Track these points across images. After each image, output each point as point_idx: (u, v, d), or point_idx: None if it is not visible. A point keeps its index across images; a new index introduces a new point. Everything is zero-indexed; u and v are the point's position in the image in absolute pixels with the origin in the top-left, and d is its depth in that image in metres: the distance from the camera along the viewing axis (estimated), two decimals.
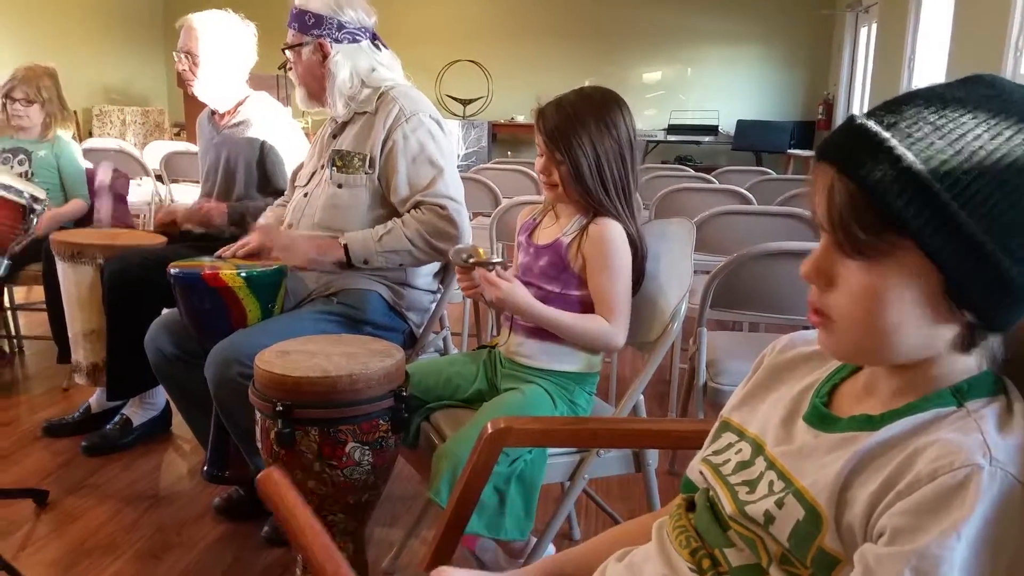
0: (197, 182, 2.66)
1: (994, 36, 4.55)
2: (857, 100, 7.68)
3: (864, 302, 0.64)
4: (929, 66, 5.90)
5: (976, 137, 0.59)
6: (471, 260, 1.47)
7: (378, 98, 1.92)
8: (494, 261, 1.46)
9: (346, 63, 1.91)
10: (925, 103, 0.62)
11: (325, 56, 1.91)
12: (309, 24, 1.90)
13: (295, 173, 2.21)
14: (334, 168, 1.92)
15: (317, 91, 1.97)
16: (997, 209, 0.59)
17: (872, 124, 0.62)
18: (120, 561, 1.82)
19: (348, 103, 1.94)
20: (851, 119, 0.64)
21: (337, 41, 1.91)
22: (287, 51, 1.96)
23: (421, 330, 2.01)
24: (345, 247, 1.83)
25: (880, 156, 0.60)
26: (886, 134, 0.61)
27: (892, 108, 0.63)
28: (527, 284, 1.56)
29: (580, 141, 1.45)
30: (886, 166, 0.60)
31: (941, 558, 0.56)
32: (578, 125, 1.46)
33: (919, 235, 0.59)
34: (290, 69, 1.99)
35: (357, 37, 1.94)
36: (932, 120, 0.61)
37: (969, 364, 0.67)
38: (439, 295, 2.05)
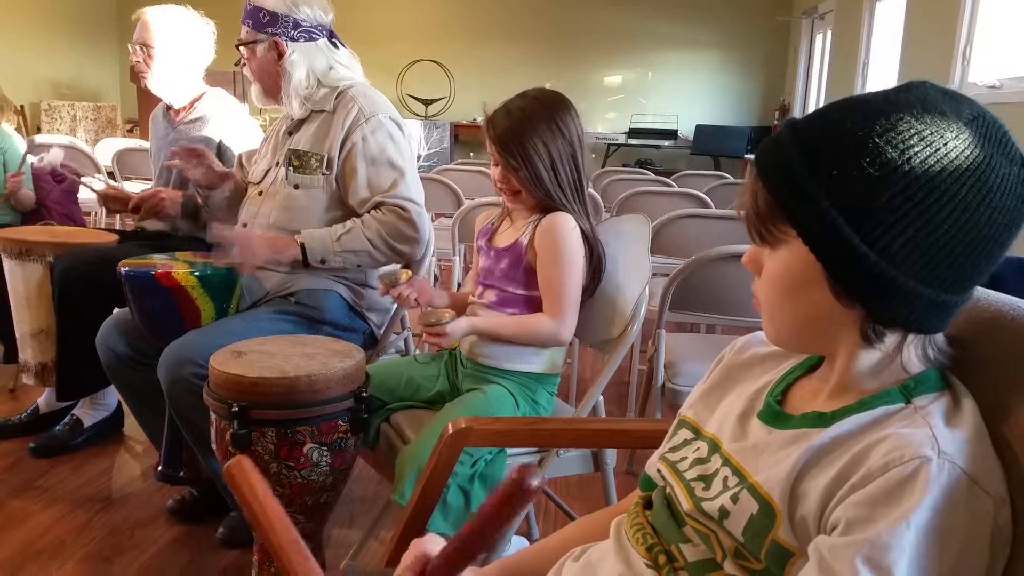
0: (150, 180, 2.61)
1: (943, 44, 4.69)
2: (812, 106, 7.83)
3: (775, 286, 0.72)
4: (882, 72, 6.05)
5: (857, 142, 0.64)
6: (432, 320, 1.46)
7: (336, 97, 1.90)
8: (444, 320, 1.44)
9: (302, 62, 1.88)
10: (841, 112, 0.67)
11: (280, 55, 1.88)
12: (264, 21, 1.87)
13: (241, 156, 2.18)
14: (291, 168, 1.89)
15: (272, 88, 1.94)
16: (859, 199, 0.64)
17: (787, 137, 0.69)
18: (69, 564, 1.78)
19: (304, 103, 1.91)
20: (781, 126, 0.72)
21: (293, 40, 1.88)
22: (241, 48, 1.93)
23: (382, 331, 1.99)
24: (302, 245, 1.81)
25: (782, 164, 0.69)
26: (792, 147, 0.68)
27: (812, 119, 0.70)
28: (489, 287, 1.57)
29: (534, 145, 1.46)
30: (784, 171, 0.68)
31: (891, 545, 0.59)
32: (530, 130, 1.46)
33: (805, 232, 0.67)
34: (244, 65, 1.95)
35: (313, 35, 1.91)
36: (831, 130, 0.67)
37: (915, 363, 0.70)
38: None
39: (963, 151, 0.63)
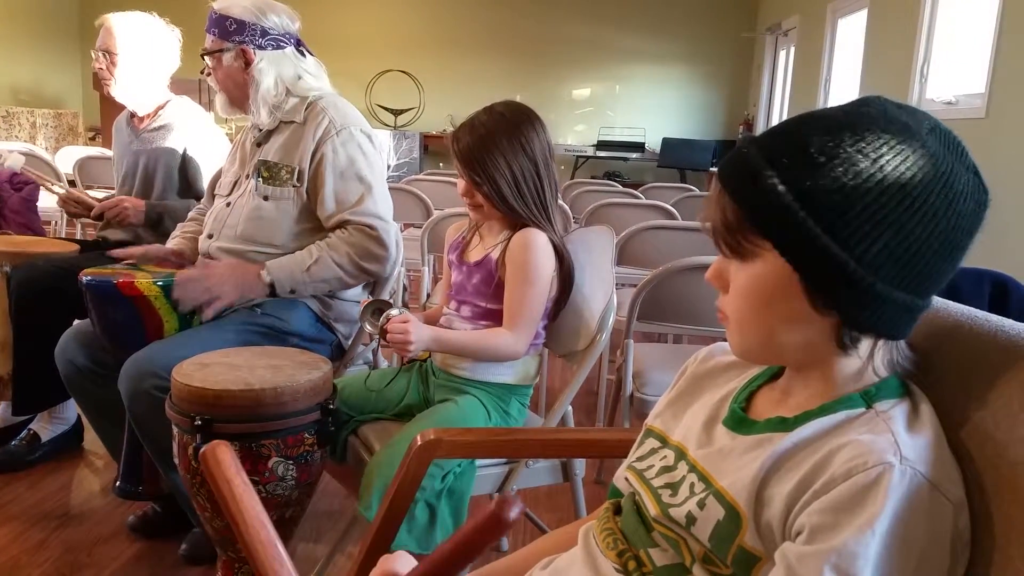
0: (112, 188, 2.56)
1: (902, 61, 4.81)
2: (775, 120, 7.97)
3: (746, 299, 0.72)
4: (843, 88, 6.17)
5: (830, 152, 0.65)
6: (380, 323, 1.44)
7: (306, 108, 1.88)
8: (395, 313, 1.43)
9: (270, 70, 1.87)
10: (804, 126, 0.68)
11: (248, 63, 1.86)
12: (230, 30, 1.85)
13: (213, 181, 2.15)
14: (260, 179, 1.87)
15: (239, 98, 1.92)
16: (832, 202, 0.65)
17: (753, 152, 0.69)
18: None
19: (272, 111, 1.89)
20: (742, 143, 0.72)
21: (260, 48, 1.86)
22: (206, 57, 1.90)
23: (349, 342, 1.98)
24: (271, 283, 1.77)
25: (752, 179, 0.68)
26: (760, 162, 0.68)
27: (776, 133, 0.70)
28: (462, 302, 1.57)
29: (495, 162, 1.47)
30: (755, 186, 0.68)
31: (857, 553, 0.59)
32: (492, 146, 1.47)
33: (775, 238, 0.67)
34: (209, 75, 1.92)
35: (281, 43, 1.89)
36: (804, 139, 0.67)
37: (878, 370, 0.71)
38: None
39: (930, 159, 0.65)
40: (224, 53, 1.87)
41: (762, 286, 0.70)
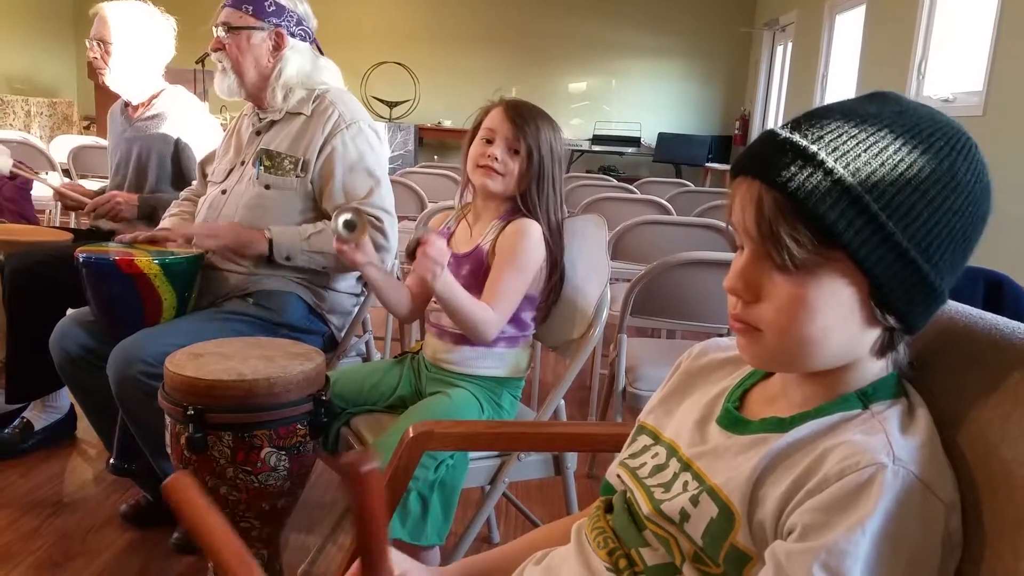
0: (107, 178, 2.56)
1: (900, 58, 4.81)
2: (772, 116, 7.98)
3: (793, 312, 0.65)
4: (840, 85, 6.18)
5: (896, 150, 0.63)
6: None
7: (313, 101, 1.88)
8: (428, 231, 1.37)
9: (295, 58, 1.88)
10: (843, 117, 0.65)
11: (279, 47, 1.87)
12: (269, 11, 1.85)
13: (203, 164, 2.15)
14: (261, 168, 1.87)
15: (254, 80, 1.89)
16: (921, 218, 0.63)
17: (797, 137, 0.64)
18: (17, 571, 1.72)
19: (286, 98, 1.89)
20: (772, 133, 0.66)
21: (292, 35, 1.88)
22: (227, 31, 1.85)
23: (343, 333, 1.98)
24: (270, 241, 1.78)
25: (809, 168, 0.63)
26: (814, 147, 0.63)
27: (812, 121, 0.65)
28: None
29: (547, 137, 1.52)
30: (818, 177, 0.62)
31: (847, 552, 0.59)
32: (543, 124, 1.52)
33: (851, 245, 0.62)
34: (217, 50, 1.88)
35: (306, 36, 1.92)
36: (853, 133, 0.64)
37: (875, 368, 0.70)
38: (362, 298, 2.02)
39: (980, 156, 0.65)
40: (255, 32, 1.85)
41: (817, 297, 0.64)
